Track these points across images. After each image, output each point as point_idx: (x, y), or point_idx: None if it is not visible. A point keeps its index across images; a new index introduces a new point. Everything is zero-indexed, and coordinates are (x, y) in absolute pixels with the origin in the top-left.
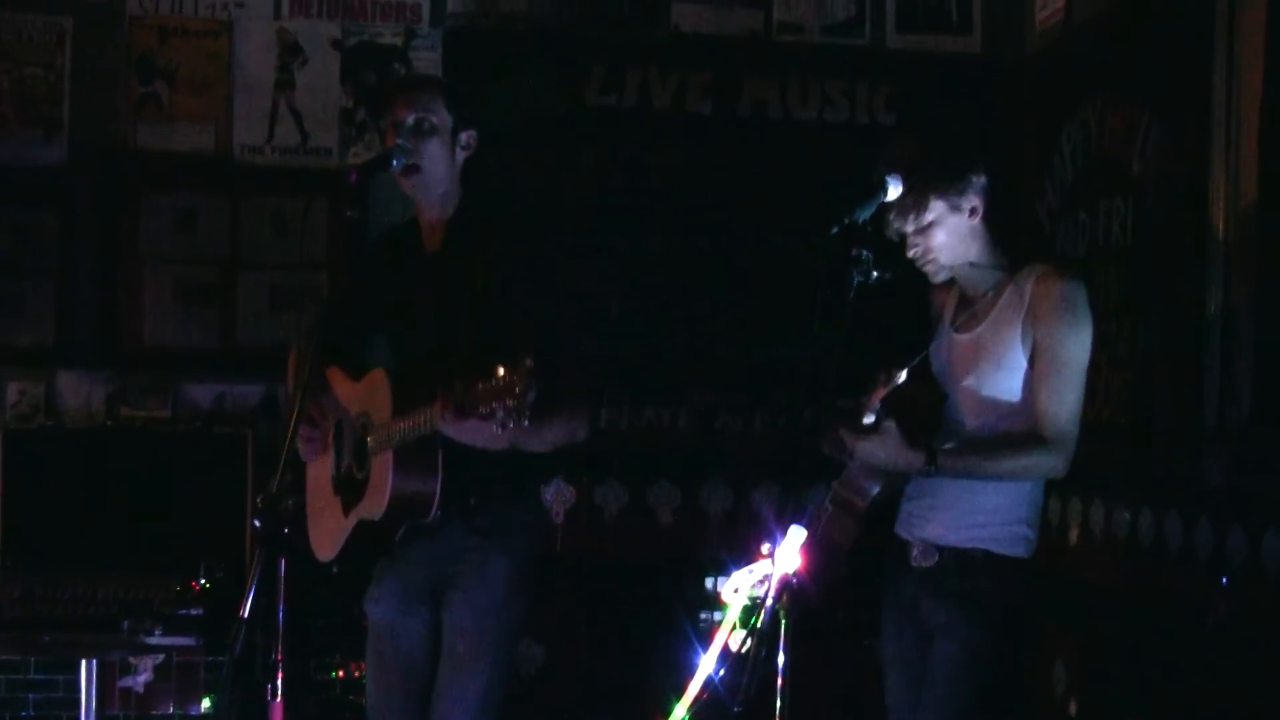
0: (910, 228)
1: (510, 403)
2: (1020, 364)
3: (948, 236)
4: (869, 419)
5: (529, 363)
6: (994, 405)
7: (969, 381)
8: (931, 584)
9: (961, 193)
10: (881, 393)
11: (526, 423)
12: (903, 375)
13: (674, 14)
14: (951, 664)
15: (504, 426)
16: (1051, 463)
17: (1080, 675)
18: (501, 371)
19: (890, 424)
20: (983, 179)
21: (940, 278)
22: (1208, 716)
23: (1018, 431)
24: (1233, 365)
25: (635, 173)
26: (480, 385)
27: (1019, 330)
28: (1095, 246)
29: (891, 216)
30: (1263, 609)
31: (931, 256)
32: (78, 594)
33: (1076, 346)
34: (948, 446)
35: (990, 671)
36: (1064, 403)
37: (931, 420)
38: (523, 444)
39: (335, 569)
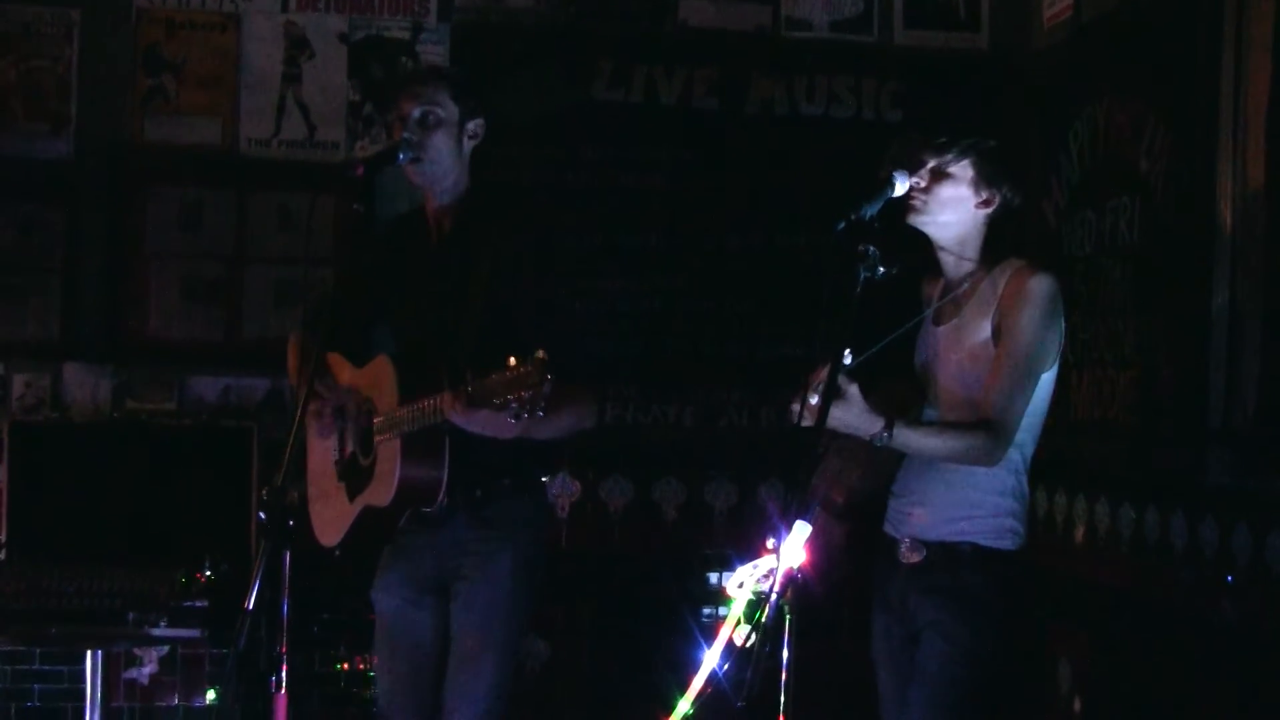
0: (931, 162)
1: (525, 394)
2: (989, 354)
3: (952, 198)
4: (814, 398)
5: (542, 354)
6: (966, 397)
7: (946, 372)
8: (919, 580)
9: (991, 180)
10: (822, 372)
11: (541, 414)
12: (847, 355)
13: (681, 9)
14: (938, 662)
15: (517, 418)
16: (987, 449)
17: (1085, 673)
18: (513, 362)
19: (853, 389)
20: (1015, 193)
21: (917, 221)
22: (1212, 715)
23: (972, 417)
24: (1238, 364)
25: (641, 168)
26: (493, 376)
27: (990, 322)
28: (1102, 245)
29: (923, 145)
30: (1268, 608)
31: (925, 200)
32: (83, 586)
33: (1036, 340)
34: (927, 417)
35: (979, 668)
36: (1012, 395)
37: (913, 416)
38: (532, 433)
39: (337, 553)
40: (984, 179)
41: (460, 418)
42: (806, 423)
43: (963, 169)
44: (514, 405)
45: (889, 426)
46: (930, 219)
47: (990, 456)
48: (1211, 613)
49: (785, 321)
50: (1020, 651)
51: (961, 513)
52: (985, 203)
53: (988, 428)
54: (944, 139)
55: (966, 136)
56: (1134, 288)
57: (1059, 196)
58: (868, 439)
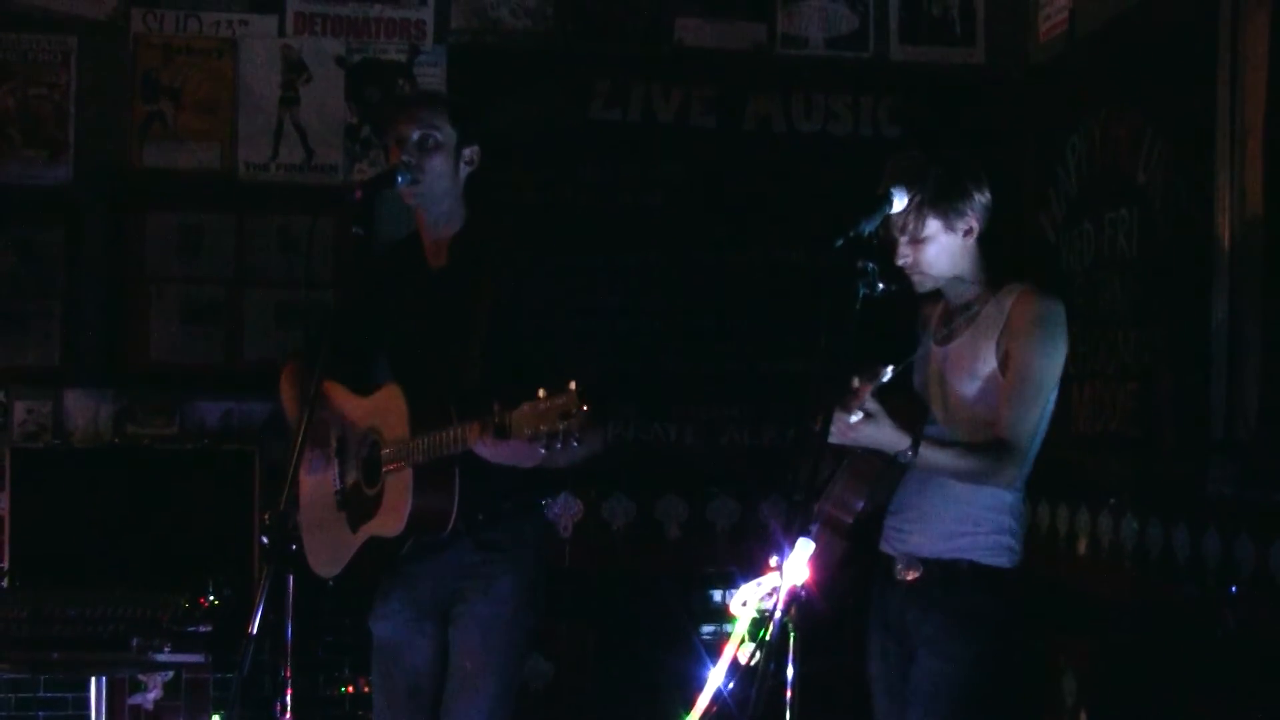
0: (904, 238)
1: (561, 426)
2: (995, 379)
3: (939, 252)
4: (856, 416)
5: (575, 385)
6: (971, 417)
7: (948, 393)
8: (917, 597)
9: (960, 214)
10: (868, 389)
11: (576, 444)
12: (888, 371)
13: (678, 28)
14: (934, 680)
15: (549, 449)
16: (1005, 471)
17: (1090, 686)
18: (543, 394)
19: (876, 405)
20: (985, 198)
21: (925, 288)
22: None
23: (985, 439)
24: (1239, 374)
25: (639, 188)
26: (525, 407)
27: (994, 344)
28: (1100, 257)
29: (892, 221)
30: (1272, 618)
31: (921, 269)
32: (86, 612)
33: (1046, 363)
34: (930, 434)
35: (973, 687)
36: (1025, 417)
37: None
38: (551, 464)
39: (331, 582)
40: (955, 214)
41: (488, 449)
42: (836, 439)
43: (931, 226)
44: (545, 436)
45: (914, 445)
46: (934, 276)
47: (1007, 477)
48: (1215, 624)
49: (785, 338)
50: (1019, 667)
51: (960, 529)
52: (968, 232)
53: (1004, 448)
54: (893, 210)
55: (906, 182)
56: (1133, 300)
57: (1057, 210)
58: (892, 455)
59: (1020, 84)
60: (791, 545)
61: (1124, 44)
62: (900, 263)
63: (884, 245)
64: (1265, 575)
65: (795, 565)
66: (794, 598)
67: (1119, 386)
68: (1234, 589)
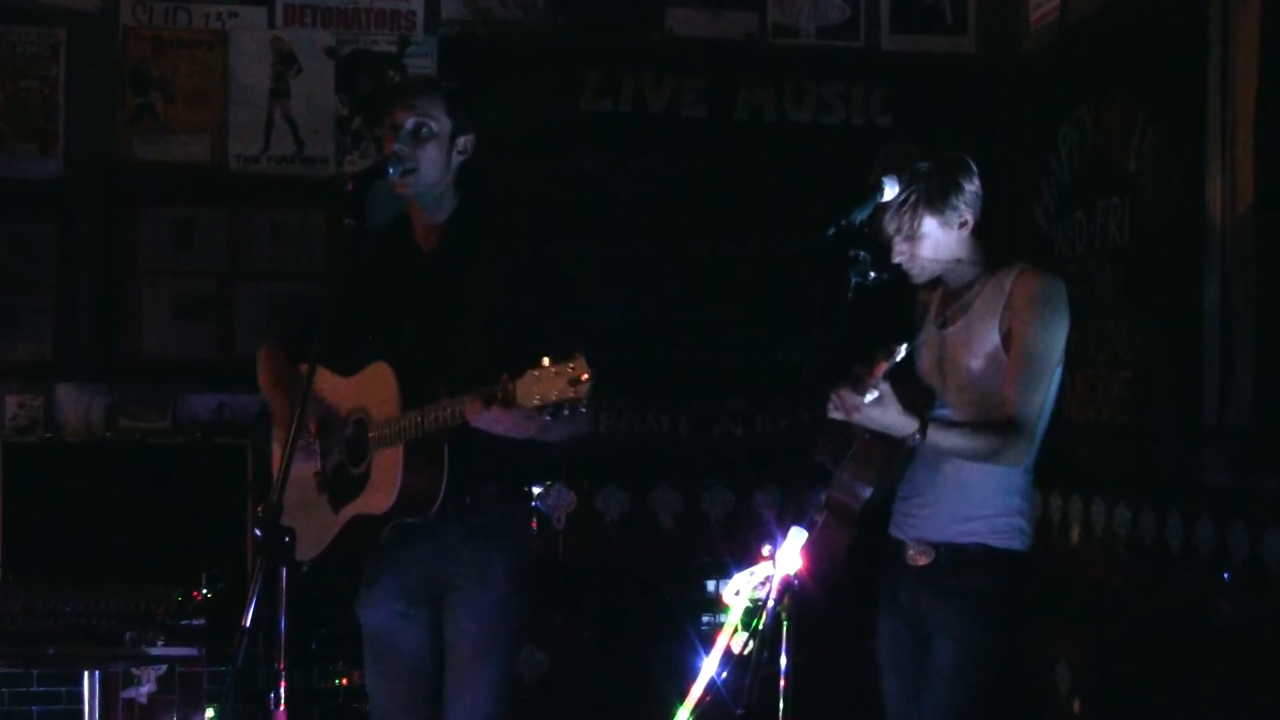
0: (900, 237)
1: (571, 393)
2: (999, 356)
3: (935, 248)
4: (872, 395)
5: (580, 355)
6: (978, 397)
7: (953, 375)
8: (930, 582)
9: (954, 209)
10: (884, 366)
11: (583, 410)
12: (903, 350)
13: (669, 18)
14: (951, 666)
15: (555, 416)
16: (1014, 447)
17: (1084, 674)
18: (547, 363)
19: (886, 387)
20: (976, 189)
21: (923, 280)
22: (1211, 714)
23: (994, 417)
24: (1232, 362)
25: (632, 178)
26: (533, 374)
27: (998, 323)
28: (1093, 246)
29: (884, 220)
30: (1264, 606)
31: (919, 264)
32: (80, 606)
33: (1049, 340)
34: (939, 416)
35: (990, 671)
36: (1032, 393)
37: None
38: (544, 435)
39: (305, 568)
40: (949, 209)
41: (492, 418)
42: (838, 415)
43: (926, 224)
44: (550, 405)
45: (923, 427)
46: (932, 270)
47: (1017, 455)
48: (1208, 611)
49: (779, 328)
50: (1024, 651)
51: (971, 513)
52: (963, 224)
53: (1013, 426)
54: (885, 199)
55: (897, 170)
56: (1125, 288)
57: (1049, 198)
58: (901, 438)
59: (1012, 73)
60: (785, 534)
61: (1115, 31)
62: (897, 260)
63: (875, 234)
64: (1258, 562)
65: (788, 554)
66: (787, 586)
67: (1111, 375)
68: (1227, 577)
